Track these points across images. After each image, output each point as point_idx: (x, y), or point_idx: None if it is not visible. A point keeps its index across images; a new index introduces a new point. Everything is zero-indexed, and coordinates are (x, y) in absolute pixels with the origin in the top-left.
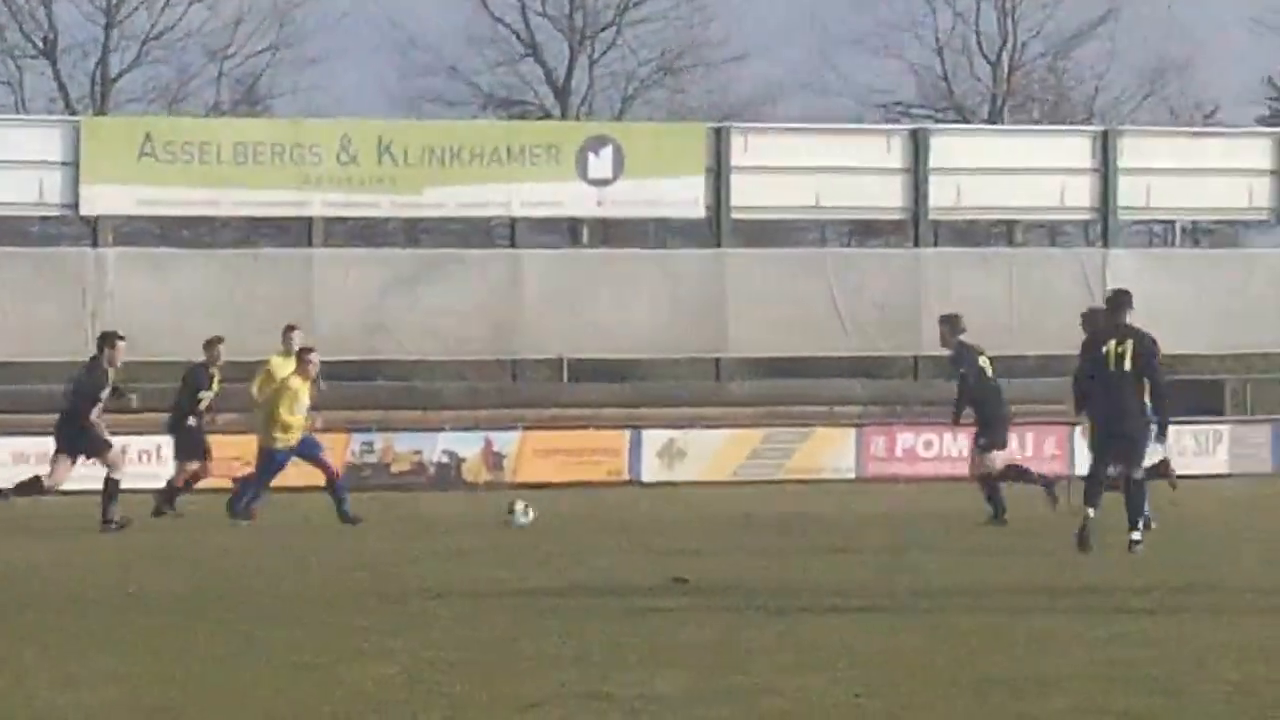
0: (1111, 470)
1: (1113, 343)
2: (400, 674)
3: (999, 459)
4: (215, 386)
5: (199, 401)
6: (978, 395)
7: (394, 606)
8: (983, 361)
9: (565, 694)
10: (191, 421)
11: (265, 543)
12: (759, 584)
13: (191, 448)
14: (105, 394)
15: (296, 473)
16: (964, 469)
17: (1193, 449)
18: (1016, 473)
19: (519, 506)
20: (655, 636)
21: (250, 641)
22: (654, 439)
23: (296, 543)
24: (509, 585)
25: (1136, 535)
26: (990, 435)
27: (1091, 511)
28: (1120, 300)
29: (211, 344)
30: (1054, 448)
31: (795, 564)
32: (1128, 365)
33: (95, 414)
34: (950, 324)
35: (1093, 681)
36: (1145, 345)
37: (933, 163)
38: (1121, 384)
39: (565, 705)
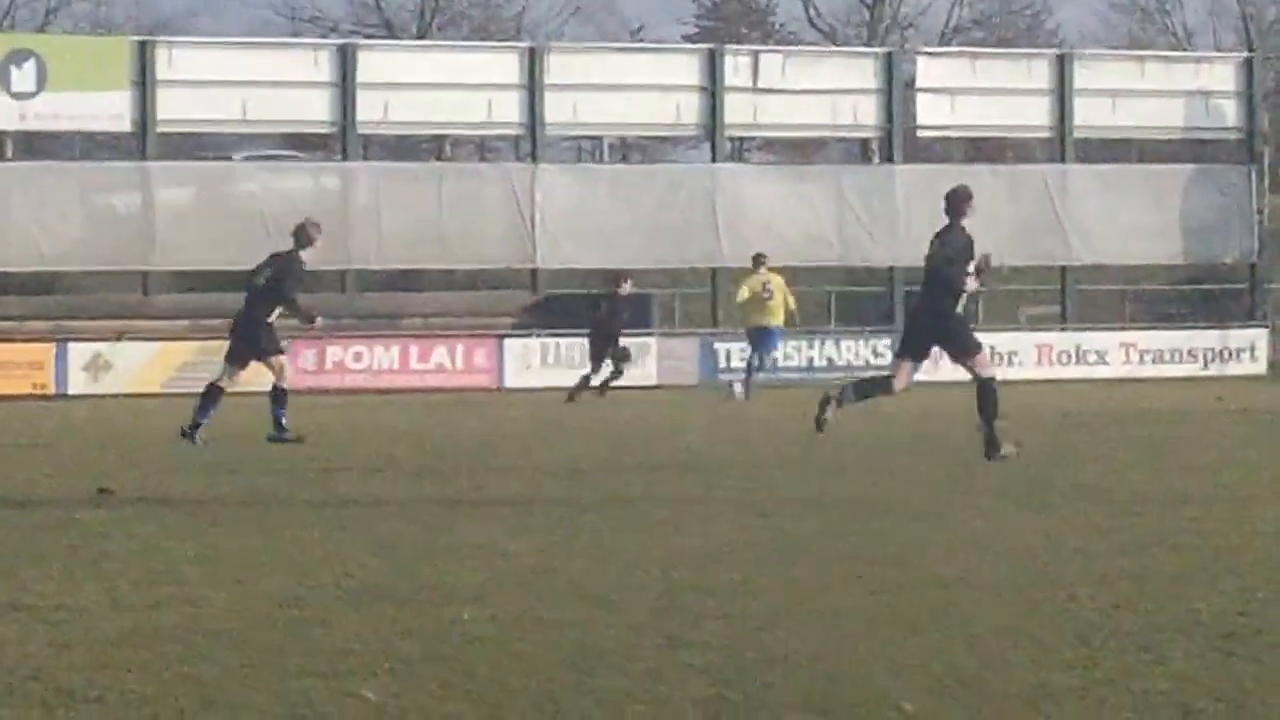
0: None
1: None
2: None
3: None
4: None
5: None
6: None
7: None
8: None
9: None
10: None
11: None
12: (183, 496)
13: None
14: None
15: None
16: (388, 380)
17: None
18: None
19: None
20: (78, 547)
21: None
22: (80, 352)
23: None
24: None
25: None
26: None
27: None
28: None
29: None
30: (484, 360)
31: (222, 477)
32: None
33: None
34: None
35: (517, 590)
36: None
37: (360, 78)
38: None
39: None
